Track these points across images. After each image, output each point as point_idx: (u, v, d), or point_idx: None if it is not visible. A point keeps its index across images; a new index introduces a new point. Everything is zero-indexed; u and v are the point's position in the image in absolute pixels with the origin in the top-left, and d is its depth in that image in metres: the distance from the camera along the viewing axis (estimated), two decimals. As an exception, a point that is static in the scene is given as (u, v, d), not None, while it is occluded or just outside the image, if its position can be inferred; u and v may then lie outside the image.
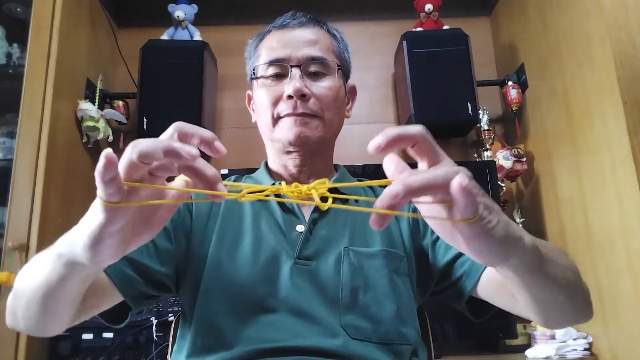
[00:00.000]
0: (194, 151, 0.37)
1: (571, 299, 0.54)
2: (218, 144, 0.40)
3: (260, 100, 0.77)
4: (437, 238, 0.73)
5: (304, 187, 0.44)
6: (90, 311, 0.61)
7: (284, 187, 0.43)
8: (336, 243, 0.71)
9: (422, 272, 0.74)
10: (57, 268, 0.47)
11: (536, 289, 0.51)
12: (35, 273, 0.51)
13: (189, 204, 0.74)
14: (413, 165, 0.41)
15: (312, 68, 0.76)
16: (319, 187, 0.44)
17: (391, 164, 0.39)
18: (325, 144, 0.79)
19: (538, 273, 0.48)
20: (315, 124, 0.74)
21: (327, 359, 0.62)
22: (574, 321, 0.58)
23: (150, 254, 0.66)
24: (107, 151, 0.35)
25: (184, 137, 0.40)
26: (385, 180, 0.40)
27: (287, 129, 0.74)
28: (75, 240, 0.42)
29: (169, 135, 0.40)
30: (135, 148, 0.36)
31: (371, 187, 0.85)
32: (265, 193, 0.43)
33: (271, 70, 0.76)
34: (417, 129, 0.39)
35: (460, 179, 0.35)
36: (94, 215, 0.38)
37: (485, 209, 0.37)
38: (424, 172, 0.37)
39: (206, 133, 0.40)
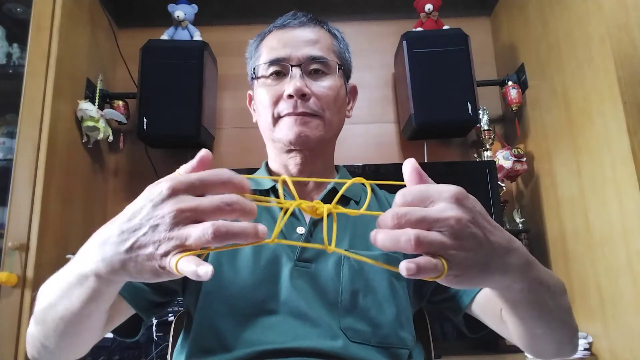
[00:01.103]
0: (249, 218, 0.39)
1: (558, 334, 0.55)
2: (248, 186, 0.41)
3: (261, 99, 0.77)
4: None
5: (322, 208, 0.44)
6: (108, 326, 0.62)
7: (303, 204, 0.43)
8: (336, 245, 0.71)
9: (418, 279, 0.74)
10: (92, 286, 0.46)
11: (525, 317, 0.53)
12: (66, 300, 0.50)
13: None
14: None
15: (313, 67, 0.75)
16: (332, 209, 0.44)
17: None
18: (326, 144, 0.79)
19: (530, 303, 0.50)
20: (315, 123, 0.74)
21: (327, 360, 0.62)
22: (556, 355, 0.60)
23: None
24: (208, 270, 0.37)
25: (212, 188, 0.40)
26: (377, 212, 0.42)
27: (288, 129, 0.73)
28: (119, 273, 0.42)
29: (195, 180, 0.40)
30: (214, 235, 0.37)
31: (371, 188, 0.85)
32: (284, 207, 0.43)
33: (271, 70, 0.76)
34: (397, 197, 0.40)
35: (403, 265, 0.36)
36: (149, 270, 0.40)
37: (457, 263, 0.38)
38: (393, 235, 0.38)
39: (236, 179, 0.40)
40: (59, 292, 0.50)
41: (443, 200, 0.39)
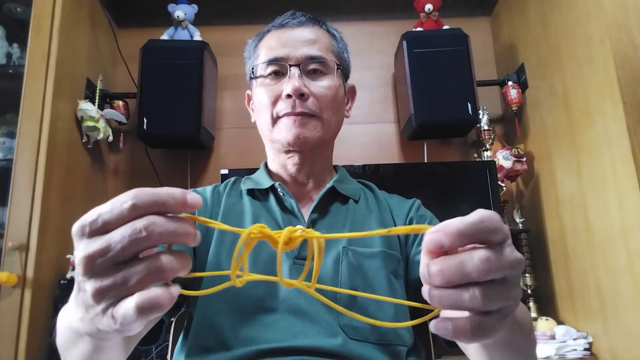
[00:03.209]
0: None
1: None
2: (190, 197, 0.34)
3: (260, 99, 0.77)
4: (417, 254, 0.73)
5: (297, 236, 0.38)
6: (136, 340, 0.60)
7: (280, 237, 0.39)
8: (335, 243, 0.71)
9: (416, 277, 0.74)
10: (91, 343, 0.44)
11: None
12: (74, 352, 0.48)
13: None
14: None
15: (311, 67, 0.76)
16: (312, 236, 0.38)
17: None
18: (325, 144, 0.79)
19: (509, 350, 0.48)
20: (314, 124, 0.74)
21: (326, 359, 0.61)
22: None
23: None
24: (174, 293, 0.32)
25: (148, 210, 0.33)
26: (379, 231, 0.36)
27: (287, 130, 0.74)
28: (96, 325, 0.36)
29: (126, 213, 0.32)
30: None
31: (370, 188, 0.85)
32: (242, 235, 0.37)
33: (270, 70, 0.76)
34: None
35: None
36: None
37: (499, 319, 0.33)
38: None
39: (176, 193, 0.33)
40: (64, 344, 0.49)
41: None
